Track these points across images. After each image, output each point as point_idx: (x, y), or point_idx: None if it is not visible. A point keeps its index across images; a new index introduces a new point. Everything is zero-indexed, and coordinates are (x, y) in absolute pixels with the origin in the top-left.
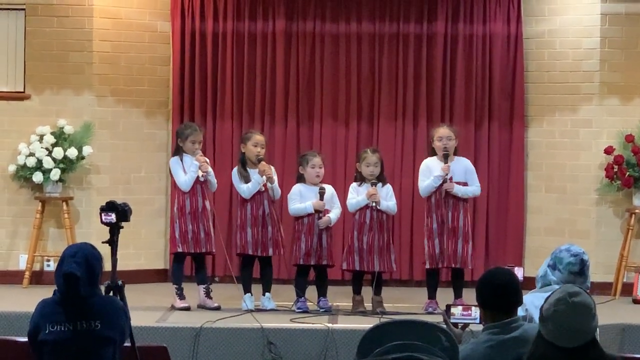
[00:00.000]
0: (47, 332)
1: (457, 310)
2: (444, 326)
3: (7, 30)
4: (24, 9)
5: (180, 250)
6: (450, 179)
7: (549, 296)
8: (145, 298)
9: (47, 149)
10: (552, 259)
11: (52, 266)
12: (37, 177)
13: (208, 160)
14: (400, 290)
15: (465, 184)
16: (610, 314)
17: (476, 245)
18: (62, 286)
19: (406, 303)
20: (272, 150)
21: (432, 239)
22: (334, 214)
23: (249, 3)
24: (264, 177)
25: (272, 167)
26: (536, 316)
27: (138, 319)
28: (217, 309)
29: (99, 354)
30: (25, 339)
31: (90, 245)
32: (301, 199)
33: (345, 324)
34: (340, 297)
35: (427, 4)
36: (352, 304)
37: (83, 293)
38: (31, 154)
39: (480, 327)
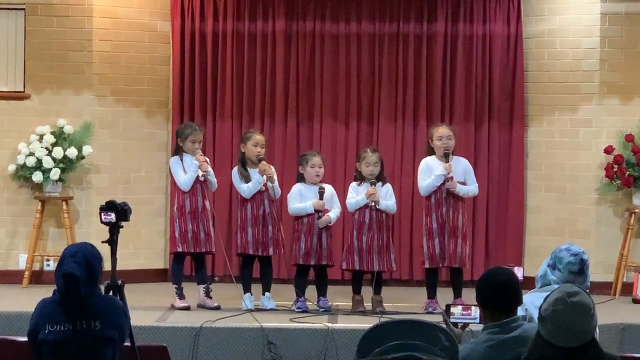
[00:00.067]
0: (46, 331)
1: (456, 310)
2: (444, 326)
3: (7, 30)
4: (23, 9)
5: (180, 250)
6: (451, 178)
7: (548, 296)
8: (145, 298)
9: (46, 148)
10: (552, 258)
11: (51, 266)
12: (37, 176)
13: (208, 160)
14: (400, 289)
15: (463, 184)
16: (610, 313)
17: (476, 244)
18: (62, 286)
19: (406, 303)
20: (272, 150)
21: (431, 239)
22: (334, 213)
23: (248, 3)
24: (265, 176)
25: (272, 167)
26: (536, 316)
27: (138, 318)
28: (217, 308)
29: (98, 354)
30: (25, 339)
31: (90, 245)
32: (301, 199)
33: (345, 323)
34: (340, 296)
35: (427, 4)
36: (351, 303)
37: (83, 293)
38: (31, 154)
39: (480, 326)
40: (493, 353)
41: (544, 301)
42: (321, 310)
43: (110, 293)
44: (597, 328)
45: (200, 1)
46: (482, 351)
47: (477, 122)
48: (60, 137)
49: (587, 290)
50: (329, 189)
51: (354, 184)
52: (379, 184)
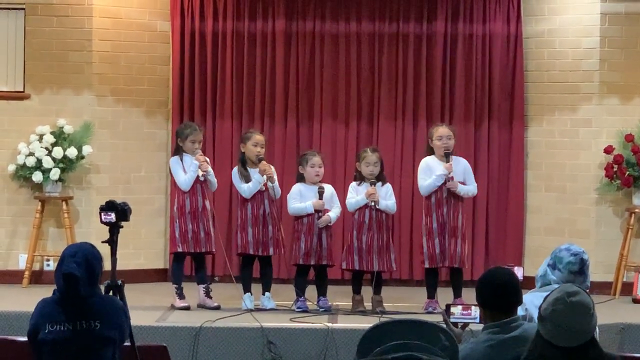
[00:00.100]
0: (46, 331)
1: (456, 310)
2: (444, 326)
3: (6, 30)
4: (23, 9)
5: (180, 249)
6: (452, 178)
7: (548, 296)
8: (144, 298)
9: (46, 148)
10: (552, 258)
11: (51, 266)
12: (37, 176)
13: (208, 160)
14: (400, 289)
15: (463, 184)
16: (610, 313)
17: (476, 244)
18: (61, 286)
19: (406, 302)
20: (272, 150)
21: (431, 239)
22: (334, 213)
23: (248, 3)
24: (265, 176)
25: (272, 167)
26: (536, 315)
27: (138, 318)
28: (217, 308)
29: (98, 354)
30: (25, 339)
31: (90, 245)
32: (301, 199)
33: (345, 323)
34: (340, 296)
35: (426, 3)
36: (351, 303)
37: (83, 293)
38: (31, 154)
39: (480, 326)
40: (493, 353)
41: (544, 301)
42: (321, 310)
43: (110, 293)
44: (597, 328)
45: (200, 1)
46: (482, 351)
47: (477, 121)
48: (60, 137)
49: (587, 290)
50: (328, 188)
51: (353, 183)
52: (379, 183)
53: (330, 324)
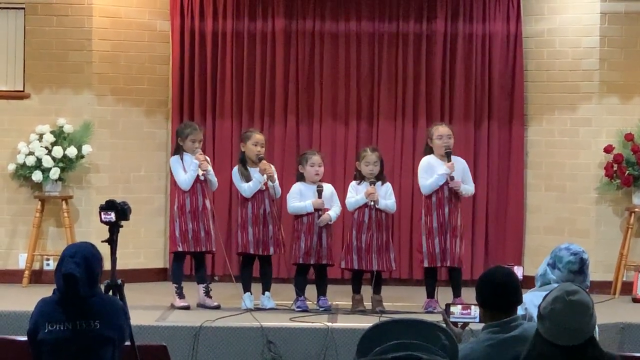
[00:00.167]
0: (46, 331)
1: (456, 309)
2: (444, 325)
3: (6, 30)
4: (23, 8)
5: (180, 249)
6: (453, 177)
7: (547, 295)
8: (144, 297)
9: (46, 147)
10: (552, 257)
11: (51, 265)
12: (37, 176)
13: (208, 159)
14: (400, 289)
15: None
16: (609, 312)
17: (476, 244)
18: (61, 286)
19: (406, 302)
20: (272, 149)
21: (431, 238)
22: (334, 211)
23: (248, 2)
24: (265, 175)
25: (273, 166)
26: (535, 315)
27: (138, 318)
28: (217, 308)
29: (98, 354)
30: (25, 338)
31: (90, 245)
32: (301, 198)
33: (345, 323)
34: (339, 296)
35: (426, 3)
36: (351, 303)
37: (82, 293)
38: (31, 153)
39: (480, 326)
40: (493, 352)
41: (543, 300)
42: (321, 309)
43: (110, 292)
44: (596, 327)
45: (199, 0)
46: (482, 350)
47: (477, 121)
48: (60, 137)
49: (587, 290)
50: (328, 187)
51: (353, 183)
52: (379, 183)
53: (330, 324)
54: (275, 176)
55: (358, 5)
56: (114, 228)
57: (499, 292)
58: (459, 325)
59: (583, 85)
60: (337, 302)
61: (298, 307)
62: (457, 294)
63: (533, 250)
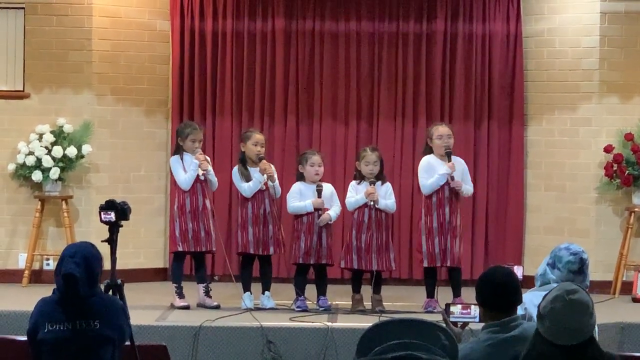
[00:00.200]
0: (46, 330)
1: (456, 309)
2: (444, 325)
3: (6, 29)
4: (23, 8)
5: (180, 249)
6: (453, 177)
7: (547, 294)
8: (144, 297)
9: (46, 147)
10: (552, 257)
11: (51, 265)
12: (37, 175)
13: (209, 159)
14: (400, 289)
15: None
16: (609, 312)
17: (476, 244)
18: (61, 286)
19: (406, 302)
20: (272, 149)
21: (431, 238)
22: (334, 211)
23: (248, 2)
24: (265, 175)
25: (273, 166)
26: (535, 314)
27: (137, 317)
28: (217, 307)
29: (98, 354)
30: (25, 338)
31: (90, 245)
32: (301, 198)
33: (345, 322)
34: (339, 296)
35: (426, 2)
36: (351, 302)
37: (82, 293)
38: (30, 153)
39: (480, 325)
40: (493, 352)
41: (543, 299)
42: (321, 309)
43: (110, 292)
44: (596, 327)
45: (199, 0)
46: (481, 350)
47: (477, 121)
48: (60, 136)
49: (587, 289)
50: (328, 187)
51: (353, 182)
52: (379, 183)
53: (329, 324)
54: (275, 176)
55: (358, 5)
56: (113, 228)
57: (499, 292)
58: (459, 325)
59: (583, 85)
60: (337, 302)
61: (298, 307)
62: (456, 293)
63: (533, 250)
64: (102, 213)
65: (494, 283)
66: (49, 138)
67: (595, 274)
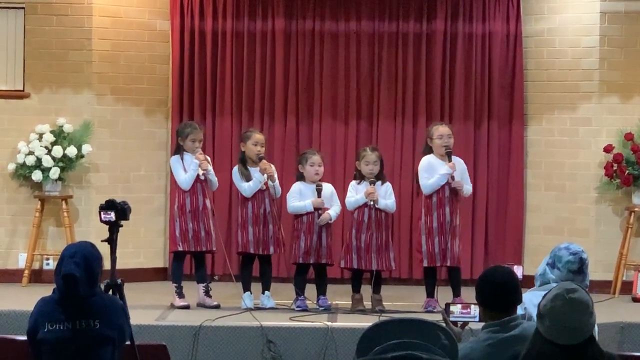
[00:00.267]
0: (45, 330)
1: (456, 309)
2: (444, 324)
3: (6, 29)
4: (23, 8)
5: (180, 248)
6: (453, 177)
7: (547, 293)
8: (144, 296)
9: (46, 147)
10: (551, 257)
11: (51, 265)
12: (37, 175)
13: (209, 158)
14: (400, 288)
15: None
16: (609, 312)
17: (476, 243)
18: (61, 286)
19: (405, 301)
20: (272, 149)
21: (431, 237)
22: (334, 210)
23: (248, 2)
24: (265, 175)
25: (273, 166)
26: (535, 314)
27: (137, 317)
28: (217, 307)
29: (98, 353)
30: (25, 338)
31: (90, 245)
32: (300, 197)
33: (345, 322)
34: (339, 295)
35: (426, 3)
36: (351, 302)
37: (82, 293)
38: (30, 153)
39: (480, 325)
40: (493, 352)
41: (543, 298)
42: (321, 309)
43: (110, 292)
44: (596, 327)
45: (199, 0)
46: (481, 350)
47: (477, 120)
48: (60, 136)
49: (587, 289)
50: (327, 187)
51: (353, 182)
52: (379, 182)
53: (329, 323)
54: (275, 176)
55: (358, 5)
56: (113, 228)
57: (499, 292)
58: (459, 325)
59: (583, 84)
60: (336, 302)
61: (298, 306)
62: (456, 293)
63: (533, 250)
64: (102, 213)
65: (494, 283)
66: (49, 138)
67: (595, 273)
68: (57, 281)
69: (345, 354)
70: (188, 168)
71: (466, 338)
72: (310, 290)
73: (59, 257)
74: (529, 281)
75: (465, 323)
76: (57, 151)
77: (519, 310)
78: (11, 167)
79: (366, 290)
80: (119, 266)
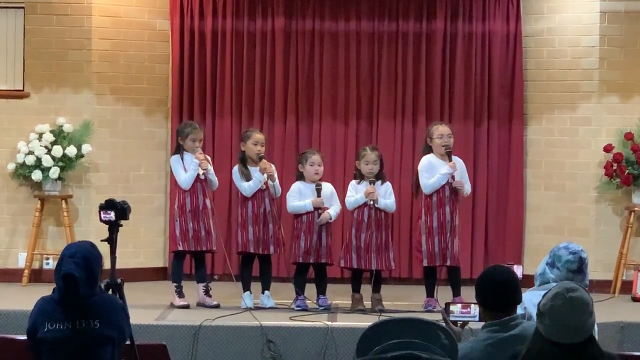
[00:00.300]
0: (45, 330)
1: (456, 308)
2: (443, 324)
3: (6, 29)
4: (23, 7)
5: (180, 248)
6: (454, 177)
7: (547, 292)
8: (144, 296)
9: (46, 147)
10: (551, 256)
11: (51, 264)
12: (36, 175)
13: (209, 158)
14: (400, 288)
15: None
16: (609, 311)
17: (475, 243)
18: (61, 286)
19: (405, 301)
20: (271, 149)
21: (431, 237)
22: (334, 210)
23: (248, 1)
24: (265, 174)
25: (273, 165)
26: (534, 314)
27: (137, 317)
28: (217, 307)
29: (98, 353)
30: (25, 337)
31: (90, 244)
32: (300, 197)
33: (345, 322)
34: (339, 295)
35: (426, 2)
36: (351, 302)
37: (82, 293)
38: (30, 152)
39: (480, 324)
40: (492, 351)
41: (543, 297)
42: (321, 308)
43: (110, 291)
44: (596, 327)
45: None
46: (481, 349)
47: (477, 120)
48: (60, 136)
49: (586, 289)
50: (327, 186)
51: (353, 182)
52: (379, 182)
53: (329, 323)
54: (275, 175)
55: (358, 5)
56: (113, 227)
57: (499, 291)
58: (459, 324)
59: (583, 84)
60: (336, 301)
61: (298, 306)
62: (456, 293)
63: (533, 250)
64: (101, 212)
65: (494, 282)
66: (48, 137)
67: (595, 273)
68: (57, 281)
69: (345, 353)
70: (188, 168)
71: (466, 338)
72: (310, 289)
73: (58, 257)
74: (528, 281)
75: (465, 322)
76: (57, 151)
77: (519, 310)
78: (11, 166)
79: (366, 289)
80: (118, 266)
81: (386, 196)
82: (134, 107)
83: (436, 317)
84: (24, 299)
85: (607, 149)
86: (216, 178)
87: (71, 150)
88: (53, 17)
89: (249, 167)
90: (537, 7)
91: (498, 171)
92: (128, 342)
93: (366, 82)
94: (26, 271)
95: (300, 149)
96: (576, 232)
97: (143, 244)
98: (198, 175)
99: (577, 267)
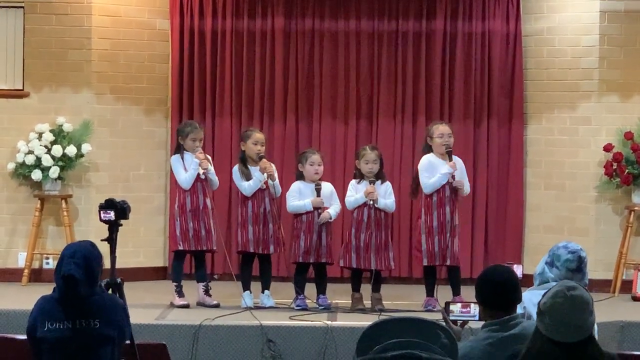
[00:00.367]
0: (45, 329)
1: (456, 308)
2: (443, 323)
3: (6, 28)
4: (22, 7)
5: (181, 247)
6: (454, 176)
7: (547, 291)
8: (144, 296)
9: (46, 146)
10: (550, 256)
11: (51, 264)
12: (36, 174)
13: (209, 158)
14: (400, 287)
15: None
16: (609, 311)
17: (475, 242)
18: (61, 286)
19: (405, 300)
20: (271, 148)
21: (431, 237)
22: (333, 209)
23: (247, 1)
24: (265, 174)
25: (273, 165)
26: (534, 313)
27: (137, 316)
28: (217, 306)
29: (98, 353)
30: (25, 337)
31: (90, 244)
32: (300, 197)
33: (345, 321)
34: (339, 294)
35: (426, 1)
36: (351, 301)
37: (82, 293)
38: (30, 152)
39: (480, 324)
40: (492, 351)
41: (543, 296)
42: (320, 308)
43: (110, 291)
44: (595, 326)
45: None
46: (481, 349)
47: (476, 119)
48: (60, 135)
49: (586, 288)
50: (327, 186)
51: (353, 181)
52: (378, 182)
53: (329, 322)
54: (276, 175)
55: (357, 4)
56: (113, 227)
57: (499, 291)
58: (459, 324)
59: (582, 83)
60: (336, 301)
61: (298, 305)
62: (456, 292)
63: (532, 249)
64: (101, 212)
65: (494, 282)
66: (48, 137)
67: (595, 272)
68: (57, 281)
69: (345, 353)
70: (188, 167)
71: (466, 337)
72: (310, 289)
73: (58, 257)
74: (528, 280)
75: (465, 322)
76: (57, 150)
77: (519, 310)
78: (11, 166)
79: (366, 289)
80: (118, 265)
81: (386, 196)
82: (133, 107)
83: (436, 316)
84: (24, 299)
85: (607, 148)
86: (216, 177)
87: (71, 150)
88: (53, 16)
89: (249, 166)
90: (537, 7)
91: (498, 171)
92: (128, 342)
93: (366, 82)
94: (26, 271)
95: (300, 148)
96: (576, 231)
97: (143, 243)
98: (198, 174)
99: (577, 266)
